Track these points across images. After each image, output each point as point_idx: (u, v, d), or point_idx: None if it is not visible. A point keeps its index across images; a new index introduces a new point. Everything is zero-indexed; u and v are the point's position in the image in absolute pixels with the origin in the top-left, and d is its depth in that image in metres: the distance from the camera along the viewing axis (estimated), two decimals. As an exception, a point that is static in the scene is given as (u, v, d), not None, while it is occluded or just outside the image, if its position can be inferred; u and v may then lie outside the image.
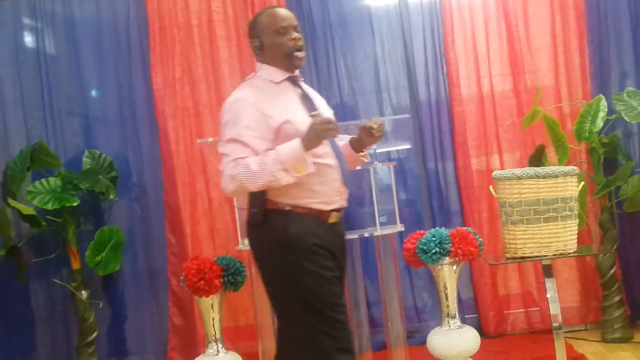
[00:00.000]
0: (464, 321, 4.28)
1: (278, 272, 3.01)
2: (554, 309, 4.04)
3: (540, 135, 4.85)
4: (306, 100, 3.10)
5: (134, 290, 5.06)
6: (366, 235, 4.18)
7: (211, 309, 4.18)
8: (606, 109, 4.59)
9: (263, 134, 2.96)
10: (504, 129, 5.00)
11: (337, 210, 3.08)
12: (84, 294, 4.84)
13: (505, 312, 4.97)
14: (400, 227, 4.26)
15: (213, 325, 4.19)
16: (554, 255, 3.98)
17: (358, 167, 4.45)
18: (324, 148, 3.02)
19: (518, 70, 4.94)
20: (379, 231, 4.14)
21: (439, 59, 5.02)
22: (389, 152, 4.78)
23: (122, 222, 5.02)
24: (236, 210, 4.33)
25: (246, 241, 4.18)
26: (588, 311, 4.94)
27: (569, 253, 4.00)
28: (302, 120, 2.99)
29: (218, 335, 4.20)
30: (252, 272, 4.12)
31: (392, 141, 4.56)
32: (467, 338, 4.14)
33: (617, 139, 4.81)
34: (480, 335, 4.24)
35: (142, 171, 5.07)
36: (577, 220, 4.05)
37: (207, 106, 5.04)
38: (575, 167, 4.03)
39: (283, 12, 3.12)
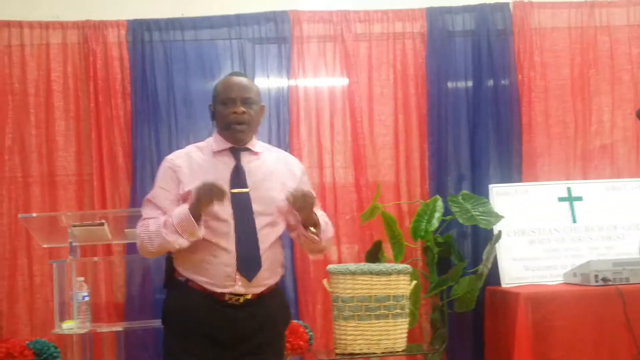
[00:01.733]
0: (290, 419, 4.15)
1: (163, 343, 3.02)
2: (380, 408, 4.01)
3: (378, 230, 4.88)
4: (236, 175, 3.00)
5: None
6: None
7: (20, 398, 3.87)
8: (442, 210, 4.70)
9: (176, 198, 2.96)
10: (344, 221, 5.00)
11: (237, 294, 2.92)
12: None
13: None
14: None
15: (20, 418, 3.87)
16: (382, 353, 3.98)
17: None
18: (223, 228, 2.92)
19: (360, 164, 5.00)
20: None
21: (282, 147, 4.99)
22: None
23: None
24: (55, 290, 4.08)
25: (63, 324, 3.96)
26: (414, 410, 4.92)
27: (398, 351, 4.02)
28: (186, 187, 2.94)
29: None
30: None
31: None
32: None
33: (451, 240, 4.91)
34: None
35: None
36: (408, 319, 4.10)
37: (37, 177, 4.79)
38: (408, 266, 4.08)
39: (236, 81, 3.07)
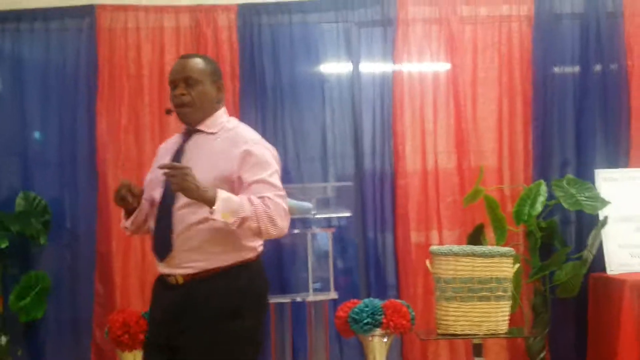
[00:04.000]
0: (391, 395, 4.21)
1: None
2: (482, 388, 4.04)
3: (480, 214, 4.88)
4: (176, 156, 2.97)
5: (56, 339, 4.87)
6: (298, 300, 4.13)
7: (133, 365, 4.07)
8: (546, 194, 4.66)
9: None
10: (445, 205, 5.01)
11: (166, 274, 2.91)
12: (4, 339, 4.66)
13: (433, 388, 4.91)
14: (334, 295, 4.23)
15: (134, 382, 4.07)
16: (484, 334, 3.99)
17: (296, 231, 4.44)
18: (153, 210, 2.94)
19: (463, 149, 4.99)
20: (311, 297, 4.09)
21: (386, 131, 5.05)
22: (329, 218, 4.75)
23: (50, 268, 4.86)
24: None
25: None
26: (516, 394, 4.91)
27: (500, 334, 4.02)
28: (153, 173, 2.99)
29: (138, 393, 4.08)
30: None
31: (333, 208, 4.55)
32: (393, 411, 4.08)
33: (554, 225, 4.86)
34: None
35: (77, 218, 4.95)
36: (510, 302, 4.08)
37: (151, 156, 4.95)
38: (511, 249, 4.07)
39: (179, 63, 3.04)
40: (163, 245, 2.88)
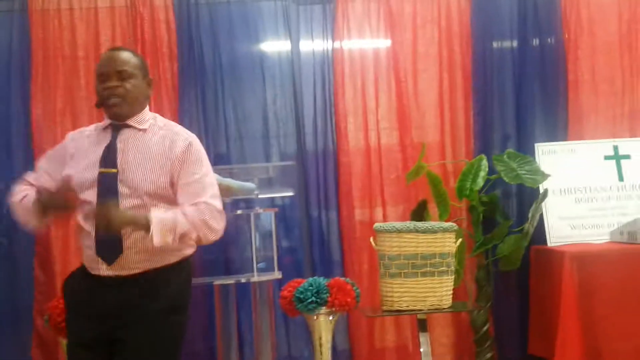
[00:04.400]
0: (338, 373, 4.23)
1: None
2: (427, 363, 4.08)
3: (423, 190, 4.90)
4: (107, 153, 2.91)
5: (-5, 329, 4.78)
6: (243, 281, 4.10)
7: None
8: (487, 169, 4.69)
9: (51, 172, 3.04)
10: (389, 182, 5.02)
11: (109, 277, 2.86)
12: (-63, 331, 4.55)
13: (380, 365, 4.94)
14: (278, 275, 4.21)
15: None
16: (429, 309, 4.03)
17: (239, 212, 4.41)
18: (85, 208, 2.86)
19: (405, 125, 5.00)
20: (256, 277, 4.07)
21: (328, 109, 5.02)
22: (272, 198, 4.72)
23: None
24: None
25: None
26: (461, 367, 4.97)
27: (444, 308, 4.06)
28: (82, 171, 2.91)
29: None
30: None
31: (276, 187, 4.53)
32: (340, 390, 4.10)
33: (496, 199, 4.91)
34: (353, 387, 4.19)
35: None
36: (454, 276, 4.12)
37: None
38: (454, 224, 4.10)
39: (109, 56, 2.98)
40: (111, 250, 2.83)
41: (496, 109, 5.08)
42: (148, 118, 3.02)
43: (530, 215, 4.69)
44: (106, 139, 2.94)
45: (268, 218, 4.46)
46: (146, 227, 2.77)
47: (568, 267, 4.29)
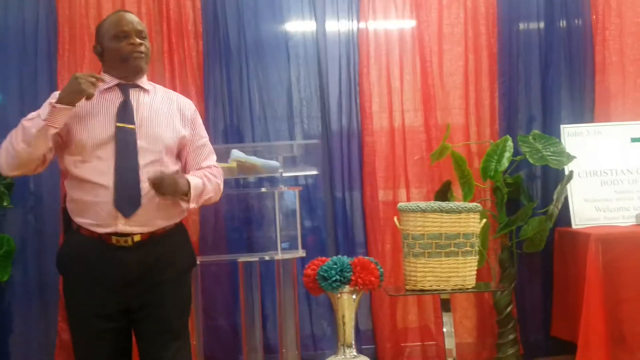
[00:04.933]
0: (360, 351, 4.25)
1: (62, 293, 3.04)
2: (449, 343, 4.09)
3: (447, 171, 4.89)
4: (123, 109, 2.96)
5: (22, 302, 4.81)
6: (266, 258, 4.13)
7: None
8: (512, 150, 4.66)
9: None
10: (413, 162, 5.01)
11: (120, 234, 2.88)
12: (-32, 302, 4.61)
13: (402, 344, 4.94)
14: (302, 253, 4.23)
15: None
16: (452, 289, 4.02)
17: (263, 190, 4.43)
18: (103, 167, 2.88)
19: (430, 106, 4.98)
20: (280, 255, 4.09)
21: (352, 89, 5.01)
22: (296, 177, 4.73)
23: (14, 231, 4.80)
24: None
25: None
26: (483, 348, 4.96)
27: (468, 288, 4.06)
28: (93, 129, 2.91)
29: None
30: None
31: (301, 166, 4.54)
32: (362, 368, 4.11)
33: (520, 180, 4.89)
34: (376, 366, 4.21)
35: (40, 180, 4.85)
36: (478, 257, 4.12)
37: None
38: (478, 204, 4.09)
39: (127, 16, 3.06)
40: (130, 202, 2.87)
41: (522, 91, 5.05)
42: (146, 80, 3.14)
43: (555, 197, 4.67)
44: (114, 97, 2.99)
45: (292, 197, 4.48)
46: (186, 192, 2.93)
47: (593, 249, 4.27)
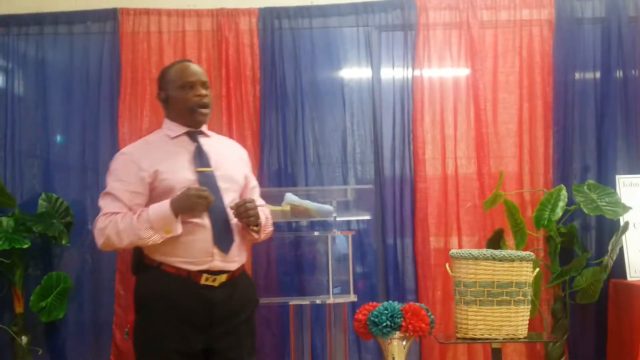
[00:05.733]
0: (409, 399, 4.21)
1: (134, 328, 3.08)
2: (500, 393, 4.02)
3: (499, 219, 4.87)
4: (199, 155, 3.11)
5: (77, 340, 4.91)
6: (318, 302, 4.14)
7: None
8: (566, 199, 4.63)
9: (136, 188, 3.03)
10: (465, 210, 5.01)
11: (211, 272, 2.99)
12: (24, 339, 4.69)
13: (452, 393, 4.90)
14: (353, 298, 4.23)
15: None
16: (504, 338, 3.98)
17: (316, 233, 4.47)
18: None
19: (483, 153, 4.98)
20: (331, 299, 4.10)
21: (406, 136, 5.05)
22: (349, 221, 4.76)
23: (71, 269, 4.91)
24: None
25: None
26: (535, 399, 4.89)
27: (520, 338, 4.01)
28: (178, 173, 3.02)
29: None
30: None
31: (353, 211, 4.57)
32: (411, 415, 4.08)
33: (574, 230, 4.84)
34: (425, 414, 4.17)
35: (98, 219, 4.97)
36: (530, 306, 4.07)
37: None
38: (531, 253, 4.06)
39: (193, 67, 3.18)
40: (227, 238, 3.04)
41: (576, 140, 5.02)
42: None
43: (610, 247, 4.61)
44: (185, 144, 3.14)
45: (344, 241, 4.50)
46: (259, 222, 3.13)
47: (648, 303, 4.20)
